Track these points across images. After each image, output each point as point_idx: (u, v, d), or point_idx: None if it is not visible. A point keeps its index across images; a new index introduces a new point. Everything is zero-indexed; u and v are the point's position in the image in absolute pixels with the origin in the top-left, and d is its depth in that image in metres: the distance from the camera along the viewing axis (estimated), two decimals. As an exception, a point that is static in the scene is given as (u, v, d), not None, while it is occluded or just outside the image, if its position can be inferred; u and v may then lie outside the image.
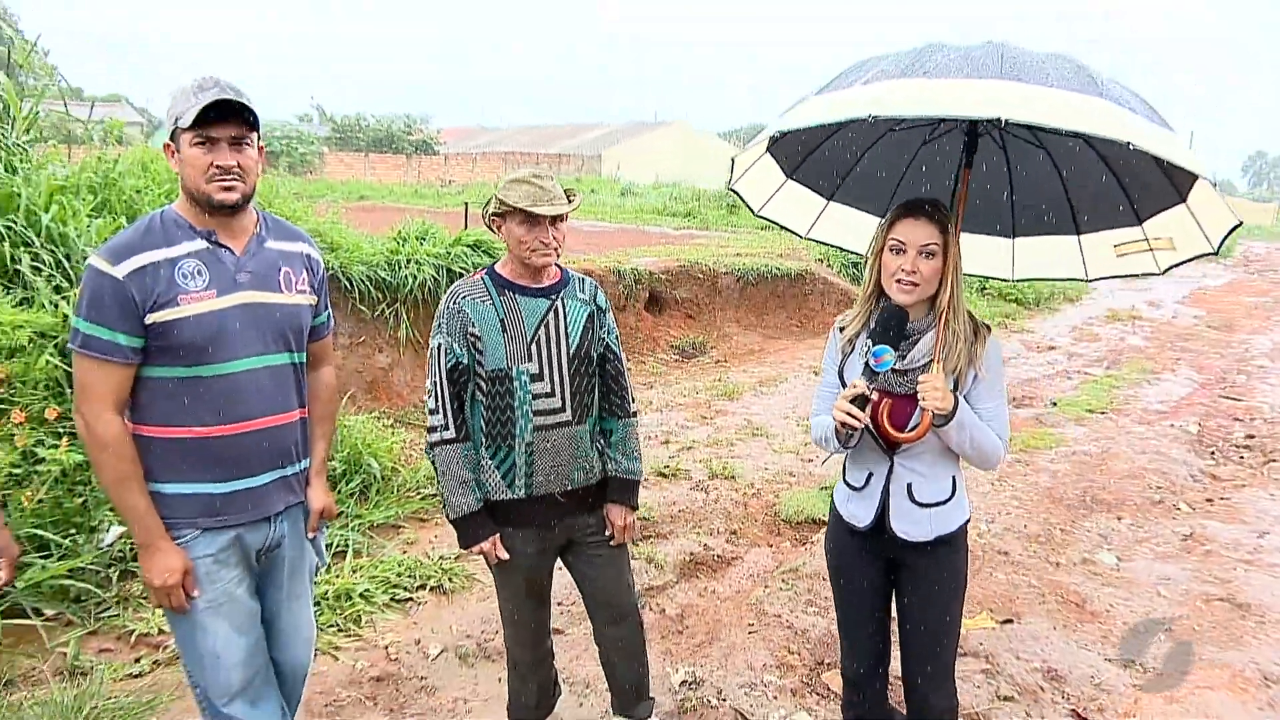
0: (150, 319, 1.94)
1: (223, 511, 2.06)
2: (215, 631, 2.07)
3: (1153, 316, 14.26)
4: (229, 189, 2.00)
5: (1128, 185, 2.17)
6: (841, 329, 2.27)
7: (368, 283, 7.02)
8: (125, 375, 1.97)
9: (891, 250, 2.08)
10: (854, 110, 1.71)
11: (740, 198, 2.40)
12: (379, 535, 4.47)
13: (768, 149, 2.19)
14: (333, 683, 3.17)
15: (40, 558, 3.42)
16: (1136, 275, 2.30)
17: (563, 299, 2.47)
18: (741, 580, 4.30)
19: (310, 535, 2.30)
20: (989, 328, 2.21)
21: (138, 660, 3.21)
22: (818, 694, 3.25)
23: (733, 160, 2.25)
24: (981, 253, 2.48)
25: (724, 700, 3.16)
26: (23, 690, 2.96)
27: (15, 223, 4.18)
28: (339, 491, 4.64)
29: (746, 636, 3.65)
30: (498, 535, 2.44)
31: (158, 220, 2.04)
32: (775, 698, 3.20)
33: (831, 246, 2.59)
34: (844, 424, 2.09)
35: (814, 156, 2.32)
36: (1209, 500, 5.74)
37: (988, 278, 2.58)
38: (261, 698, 2.19)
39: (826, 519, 4.76)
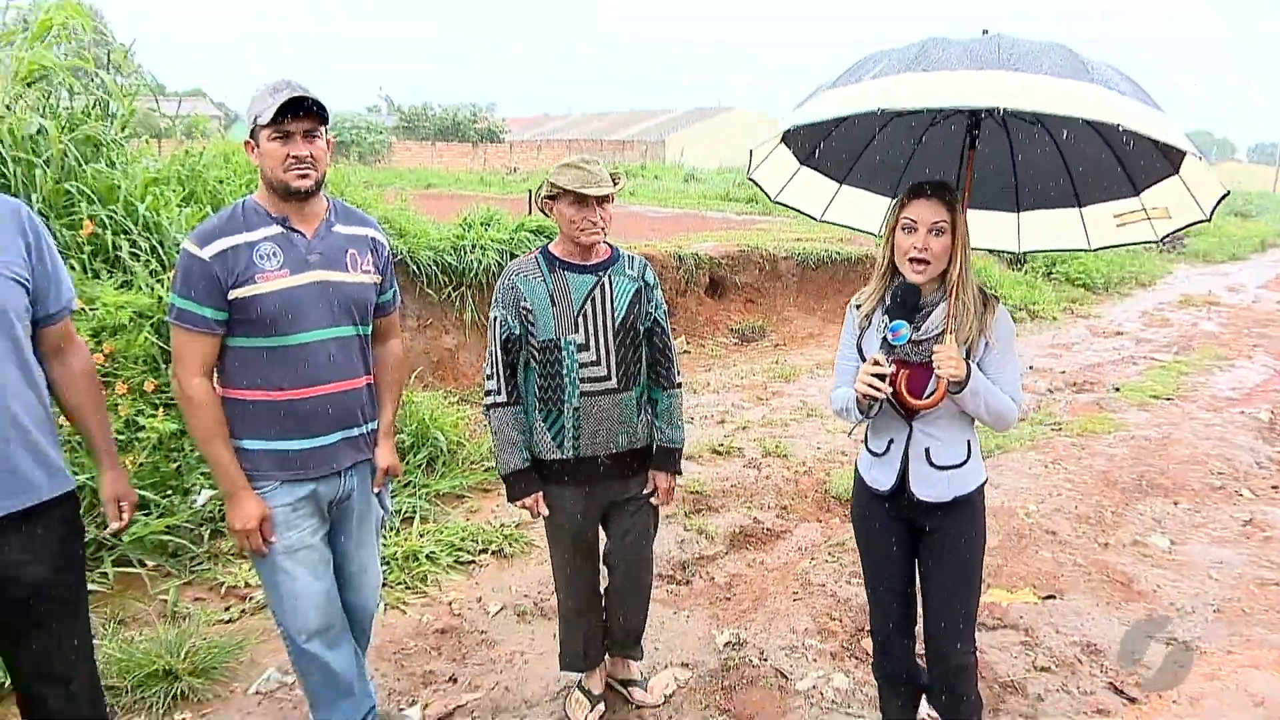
0: (232, 295, 2.19)
1: (298, 466, 2.31)
2: (294, 574, 2.32)
3: (1232, 302, 13.80)
4: (304, 176, 2.24)
5: (1124, 159, 2.27)
6: (858, 306, 2.41)
7: (435, 267, 7.30)
8: (212, 344, 2.23)
9: (903, 229, 2.22)
10: (864, 104, 1.84)
11: (759, 186, 2.54)
12: (444, 503, 4.74)
13: (781, 140, 2.33)
14: (401, 633, 3.44)
15: (142, 515, 3.76)
16: (1136, 243, 2.41)
17: (610, 275, 2.65)
18: (789, 553, 4.44)
19: (376, 490, 2.53)
20: (998, 298, 2.33)
21: (227, 609, 3.53)
22: (856, 657, 3.38)
23: (750, 151, 2.39)
24: (989, 227, 2.59)
25: (765, 660, 3.33)
26: (133, 629, 3.30)
27: (116, 213, 4.54)
28: (407, 462, 4.93)
29: (791, 603, 3.80)
30: (541, 493, 2.65)
31: (239, 208, 2.29)
32: (815, 660, 3.35)
33: (845, 227, 2.72)
34: (866, 395, 2.23)
35: (825, 143, 2.45)
36: (1275, 487, 5.65)
37: (996, 251, 2.69)
38: (339, 642, 2.45)
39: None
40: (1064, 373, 8.66)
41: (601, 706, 2.93)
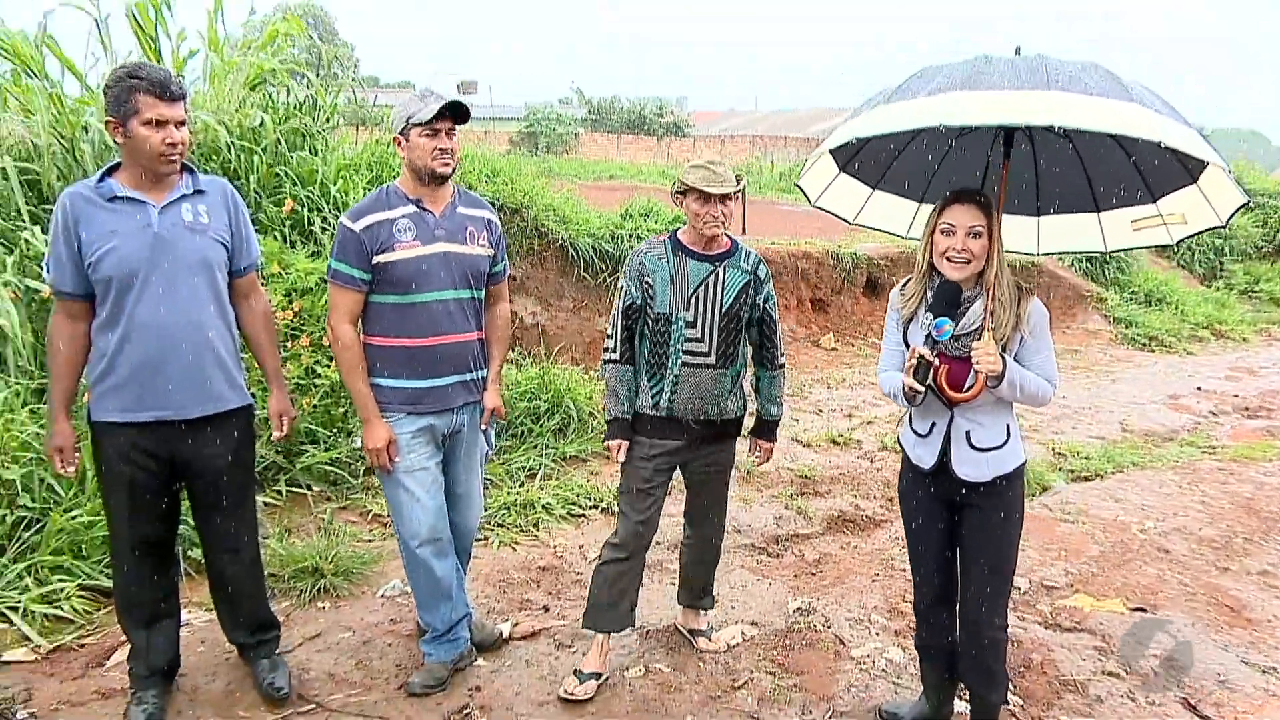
0: (376, 260, 2.72)
1: (421, 401, 2.82)
2: (412, 490, 2.84)
3: None
4: (446, 164, 2.75)
5: (1144, 169, 2.39)
6: (899, 308, 2.61)
7: (593, 253, 7.84)
8: (358, 299, 2.77)
9: (943, 232, 2.42)
10: (927, 119, 2.05)
11: (803, 191, 2.79)
12: (569, 465, 5.24)
13: (830, 151, 2.58)
14: (508, 566, 3.96)
15: (311, 447, 4.49)
16: (1152, 246, 2.49)
17: (725, 266, 2.99)
18: (884, 541, 4.60)
19: (483, 427, 3.02)
20: (1030, 290, 2.48)
21: (371, 531, 4.18)
22: (918, 637, 3.55)
23: (808, 159, 2.66)
24: (1007, 230, 2.72)
25: (829, 627, 3.57)
26: (295, 536, 4.01)
27: (313, 193, 5.36)
28: (541, 425, 5.47)
29: (869, 582, 4.00)
30: (627, 442, 3.04)
31: (384, 191, 2.83)
32: (877, 634, 3.55)
33: (876, 230, 2.91)
34: (912, 388, 2.46)
35: (864, 151, 2.66)
36: None
37: (1012, 252, 2.80)
38: (445, 554, 2.95)
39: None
40: (1237, 396, 8.09)
41: (593, 684, 3.02)
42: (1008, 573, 2.65)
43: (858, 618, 3.67)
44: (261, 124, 5.31)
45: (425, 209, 2.80)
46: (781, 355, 3.15)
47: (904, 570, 4.14)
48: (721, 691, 3.09)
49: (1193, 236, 2.41)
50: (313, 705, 2.88)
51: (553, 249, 8.03)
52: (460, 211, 2.88)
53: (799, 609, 3.72)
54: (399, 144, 2.80)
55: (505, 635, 3.32)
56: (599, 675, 3.05)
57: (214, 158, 5.03)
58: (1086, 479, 5.68)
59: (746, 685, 3.14)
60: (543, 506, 4.53)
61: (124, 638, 2.86)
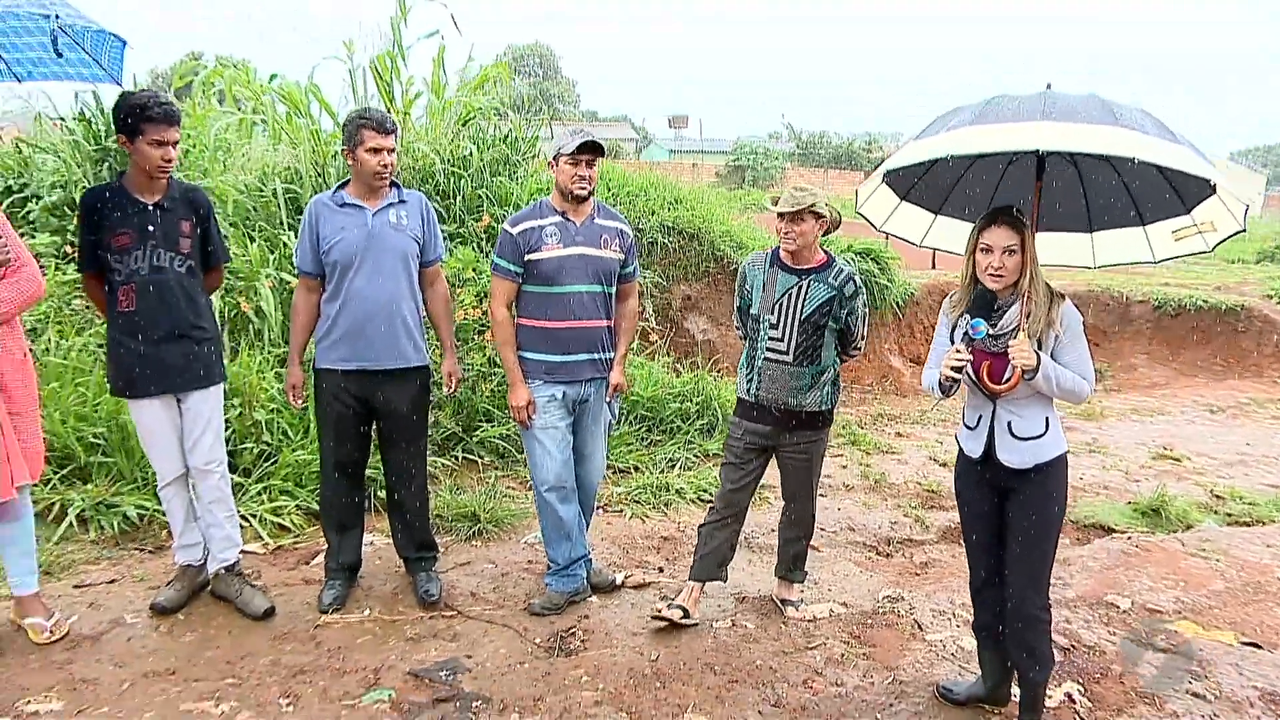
0: (527, 258, 3.42)
1: (556, 372, 3.48)
2: (543, 443, 3.50)
3: None
4: (583, 188, 3.42)
5: (1175, 184, 2.64)
6: (949, 312, 2.95)
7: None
8: (512, 288, 3.48)
9: (981, 251, 2.75)
10: (938, 152, 2.48)
11: (866, 219, 3.17)
12: (708, 460, 5.77)
13: (883, 180, 2.97)
14: (634, 533, 4.54)
15: (486, 424, 5.31)
16: (1192, 254, 2.72)
17: (810, 280, 3.47)
18: (999, 557, 4.75)
19: (607, 400, 3.64)
20: (1063, 296, 2.76)
21: (525, 494, 4.91)
22: (999, 634, 3.76)
23: (857, 191, 3.06)
24: (1066, 247, 2.96)
25: (911, 613, 3.85)
26: (464, 491, 4.81)
27: (507, 212, 6.27)
28: (691, 424, 6.04)
29: (963, 583, 4.21)
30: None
31: (539, 204, 3.53)
32: (958, 626, 3.80)
33: (942, 250, 3.22)
34: (948, 376, 2.82)
35: (921, 182, 3.01)
36: None
37: (1071, 266, 3.03)
38: (568, 500, 3.58)
39: (1114, 527, 5.10)
40: None
41: (679, 611, 3.52)
42: (1045, 554, 2.90)
43: (942, 610, 3.92)
44: (470, 154, 6.31)
45: (569, 219, 3.48)
46: (854, 353, 3.62)
47: (1006, 579, 4.32)
48: (795, 649, 3.49)
49: (1223, 242, 2.63)
50: (455, 613, 3.59)
51: (727, 272, 8.63)
52: (597, 222, 3.53)
53: (888, 596, 4.03)
54: (551, 167, 3.50)
55: (619, 583, 3.90)
56: (687, 613, 3.55)
57: (429, 180, 6.06)
58: (1245, 524, 5.47)
59: (819, 648, 3.52)
60: (676, 490, 5.09)
61: (324, 542, 3.71)
